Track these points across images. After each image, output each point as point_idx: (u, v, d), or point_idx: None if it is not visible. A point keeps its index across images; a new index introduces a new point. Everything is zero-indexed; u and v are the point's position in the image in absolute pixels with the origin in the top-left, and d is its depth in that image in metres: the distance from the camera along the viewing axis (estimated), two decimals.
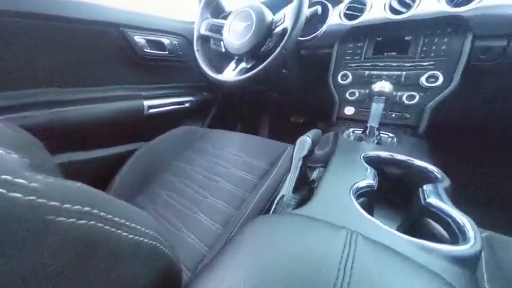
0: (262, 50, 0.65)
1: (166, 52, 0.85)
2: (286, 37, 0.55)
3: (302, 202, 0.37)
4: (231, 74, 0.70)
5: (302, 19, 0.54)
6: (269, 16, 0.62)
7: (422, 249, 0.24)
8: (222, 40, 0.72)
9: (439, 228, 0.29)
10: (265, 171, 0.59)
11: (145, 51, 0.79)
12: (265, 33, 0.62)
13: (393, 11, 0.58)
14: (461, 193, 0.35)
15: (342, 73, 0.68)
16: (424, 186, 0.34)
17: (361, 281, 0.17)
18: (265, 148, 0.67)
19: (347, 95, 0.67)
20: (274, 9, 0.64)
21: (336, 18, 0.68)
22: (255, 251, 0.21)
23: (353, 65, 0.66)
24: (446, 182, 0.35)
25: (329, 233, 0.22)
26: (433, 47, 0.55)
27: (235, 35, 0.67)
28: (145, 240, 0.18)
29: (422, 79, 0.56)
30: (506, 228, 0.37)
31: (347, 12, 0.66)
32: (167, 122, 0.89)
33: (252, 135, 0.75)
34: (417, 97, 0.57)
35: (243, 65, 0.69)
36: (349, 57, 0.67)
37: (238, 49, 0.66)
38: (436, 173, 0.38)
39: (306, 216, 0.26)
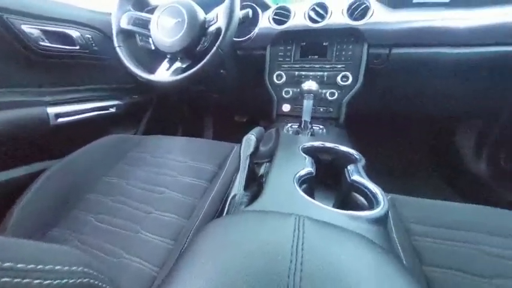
0: (197, 49, 0.63)
1: (77, 47, 0.70)
2: (221, 37, 0.55)
3: (254, 198, 0.38)
4: (165, 74, 0.64)
5: (235, 19, 0.56)
6: (201, 14, 0.61)
7: (352, 219, 0.29)
8: (150, 36, 0.65)
9: (361, 198, 0.36)
10: (214, 173, 0.58)
11: (42, 45, 0.62)
12: (199, 32, 0.60)
13: (312, 20, 0.67)
14: (372, 168, 0.44)
15: (276, 73, 0.74)
16: (348, 167, 0.41)
17: (311, 258, 0.19)
18: (212, 150, 0.65)
19: (283, 94, 0.74)
20: (205, 8, 0.62)
21: (265, 22, 0.73)
22: (211, 257, 0.21)
23: (285, 66, 0.73)
24: (363, 161, 0.44)
25: (280, 222, 0.24)
26: (343, 52, 0.67)
27: (165, 32, 0.62)
28: (72, 280, 0.14)
29: (338, 79, 0.68)
30: (402, 190, 0.50)
31: (275, 17, 0.72)
32: (87, 132, 0.73)
33: (196, 138, 0.72)
34: (336, 94, 0.69)
35: (177, 64, 0.65)
36: (281, 59, 0.73)
37: (171, 47, 0.62)
38: (355, 155, 0.47)
39: (258, 211, 0.27)
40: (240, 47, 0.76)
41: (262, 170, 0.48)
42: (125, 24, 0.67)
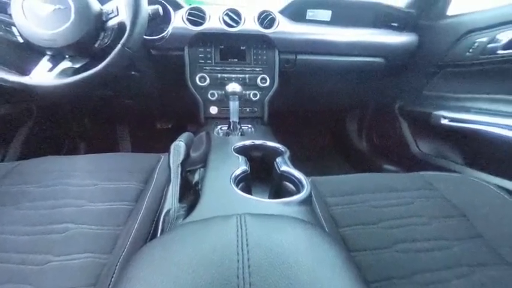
0: (96, 45, 0.52)
1: None
2: (127, 33, 0.48)
3: (191, 208, 0.36)
4: (47, 76, 0.49)
5: (143, 14, 0.49)
6: (96, 4, 0.50)
7: (285, 205, 0.32)
8: (13, 25, 0.48)
9: (290, 185, 0.41)
10: (139, 191, 0.49)
11: None
12: (95, 25, 0.49)
13: (227, 24, 0.70)
14: (295, 157, 0.51)
15: (199, 75, 0.72)
16: (277, 159, 0.46)
17: (256, 251, 0.20)
18: (133, 164, 0.55)
19: (209, 96, 0.73)
20: None
21: (179, 21, 0.69)
22: (150, 287, 0.18)
23: (207, 68, 0.72)
24: (288, 153, 0.50)
25: (222, 226, 0.23)
26: (259, 56, 0.74)
27: (39, 21, 0.47)
28: None
29: (258, 81, 0.74)
30: (318, 171, 0.60)
31: (189, 17, 0.69)
32: None
33: (109, 153, 0.59)
34: (258, 94, 0.75)
35: (66, 64, 0.51)
36: (203, 61, 0.72)
37: (52, 42, 0.48)
38: (281, 148, 0.53)
39: (198, 221, 0.26)
40: (153, 47, 0.69)
41: (196, 177, 0.46)
42: None
